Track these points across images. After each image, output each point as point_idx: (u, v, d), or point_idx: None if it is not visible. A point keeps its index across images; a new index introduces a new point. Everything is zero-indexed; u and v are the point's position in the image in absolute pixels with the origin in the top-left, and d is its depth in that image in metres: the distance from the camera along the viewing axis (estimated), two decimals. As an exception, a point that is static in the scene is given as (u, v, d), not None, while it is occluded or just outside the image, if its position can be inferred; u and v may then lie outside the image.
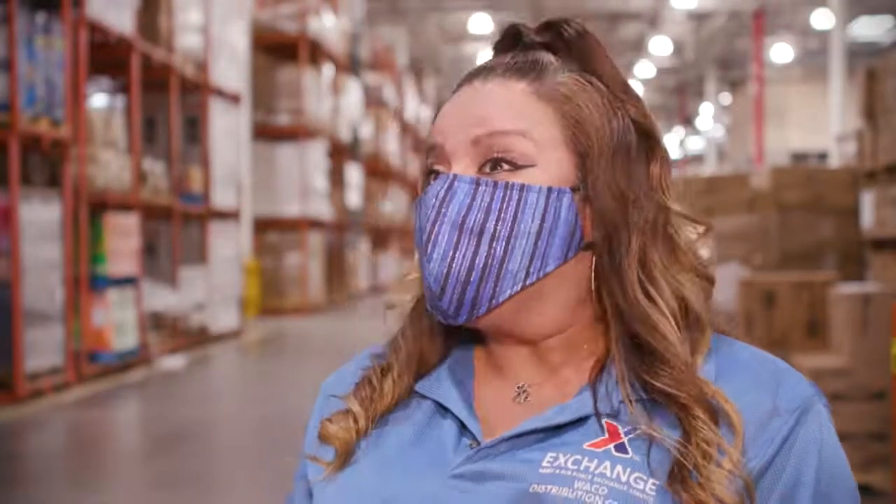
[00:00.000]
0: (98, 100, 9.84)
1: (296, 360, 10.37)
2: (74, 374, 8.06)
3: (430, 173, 1.11)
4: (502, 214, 1.04)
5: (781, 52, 28.02)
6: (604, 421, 1.03)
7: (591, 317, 1.09)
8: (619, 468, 0.99)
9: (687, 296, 1.06)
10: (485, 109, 1.08)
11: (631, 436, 1.02)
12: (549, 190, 1.05)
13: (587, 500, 0.97)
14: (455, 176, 1.06)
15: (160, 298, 10.29)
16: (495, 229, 1.04)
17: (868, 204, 6.78)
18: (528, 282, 1.05)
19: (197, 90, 11.37)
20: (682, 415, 1.01)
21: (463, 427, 1.07)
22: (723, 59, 31.19)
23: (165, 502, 4.94)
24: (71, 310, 8.04)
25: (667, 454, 1.00)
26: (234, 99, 12.59)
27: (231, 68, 12.39)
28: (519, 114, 1.07)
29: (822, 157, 23.74)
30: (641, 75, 32.99)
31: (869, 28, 25.58)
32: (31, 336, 7.39)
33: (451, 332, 1.15)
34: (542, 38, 1.14)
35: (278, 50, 15.48)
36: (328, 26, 16.74)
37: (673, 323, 1.04)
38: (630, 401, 1.02)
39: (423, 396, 1.12)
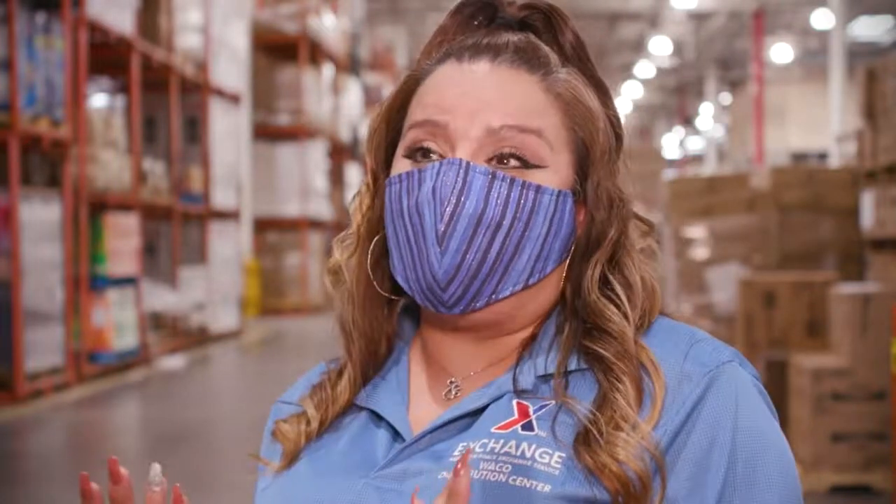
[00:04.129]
0: (98, 100, 9.82)
1: (296, 360, 10.35)
2: (74, 374, 8.05)
3: (417, 150, 1.07)
4: (518, 213, 1.03)
5: (781, 52, 27.99)
6: (515, 402, 1.03)
7: (549, 311, 1.09)
8: (524, 445, 0.99)
9: (646, 276, 1.08)
10: (503, 99, 1.05)
11: (539, 412, 1.02)
12: (559, 193, 1.05)
13: (491, 478, 0.98)
14: (469, 164, 1.03)
15: (160, 298, 10.28)
16: (510, 226, 1.02)
17: (868, 204, 6.77)
18: (530, 282, 1.05)
19: (197, 90, 11.37)
20: (606, 385, 1.01)
21: (396, 433, 1.07)
22: (723, 59, 31.18)
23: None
24: (71, 310, 8.03)
25: (575, 427, 1.00)
26: (234, 99, 12.59)
27: (231, 68, 12.39)
28: (537, 112, 1.05)
29: (822, 157, 23.70)
30: (641, 75, 32.98)
31: (869, 28, 25.55)
32: (31, 336, 7.39)
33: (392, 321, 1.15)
34: (524, 18, 1.11)
35: (278, 50, 15.47)
36: (328, 26, 16.73)
37: (630, 313, 1.04)
38: (561, 371, 1.03)
39: (361, 407, 1.12)
